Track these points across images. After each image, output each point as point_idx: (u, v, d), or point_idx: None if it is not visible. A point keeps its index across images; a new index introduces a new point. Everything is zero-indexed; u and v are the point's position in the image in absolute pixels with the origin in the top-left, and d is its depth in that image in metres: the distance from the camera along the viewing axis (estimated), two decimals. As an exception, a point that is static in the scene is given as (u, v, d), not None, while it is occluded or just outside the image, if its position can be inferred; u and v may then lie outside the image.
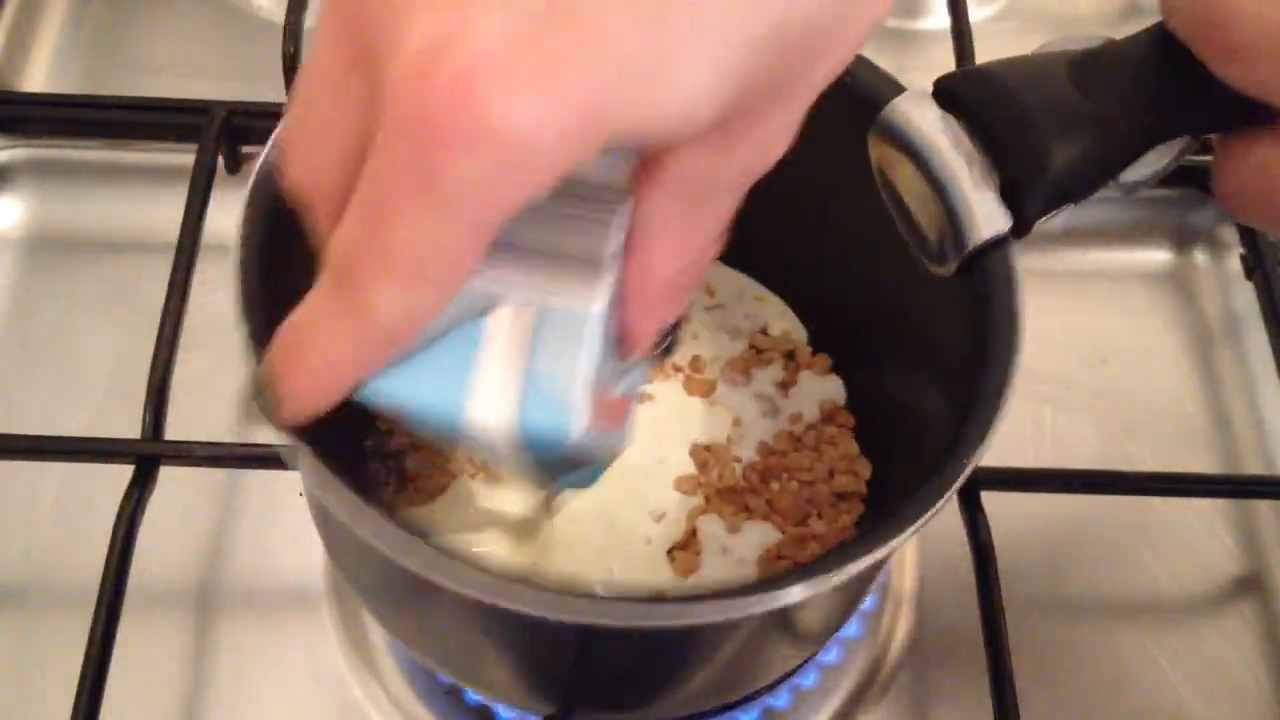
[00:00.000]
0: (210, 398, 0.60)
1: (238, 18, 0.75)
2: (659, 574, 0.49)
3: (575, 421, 0.33)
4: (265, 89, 0.66)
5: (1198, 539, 0.60)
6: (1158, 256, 0.70)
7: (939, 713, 0.55)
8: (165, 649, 0.54)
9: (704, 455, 0.52)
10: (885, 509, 0.43)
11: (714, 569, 0.49)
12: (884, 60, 0.46)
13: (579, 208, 0.33)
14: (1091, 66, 0.40)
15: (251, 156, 0.67)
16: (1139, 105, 0.39)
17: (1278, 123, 0.37)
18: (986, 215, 0.39)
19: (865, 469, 0.52)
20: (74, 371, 0.61)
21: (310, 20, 0.68)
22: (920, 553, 0.58)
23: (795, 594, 0.35)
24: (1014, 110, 0.38)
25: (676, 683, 0.46)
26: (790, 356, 0.56)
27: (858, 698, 0.55)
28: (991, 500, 0.53)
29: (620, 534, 0.50)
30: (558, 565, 0.48)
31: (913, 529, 0.36)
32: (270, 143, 0.43)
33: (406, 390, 0.33)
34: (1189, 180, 0.67)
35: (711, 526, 0.50)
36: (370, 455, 0.53)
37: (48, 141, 0.68)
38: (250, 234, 0.42)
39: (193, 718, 0.53)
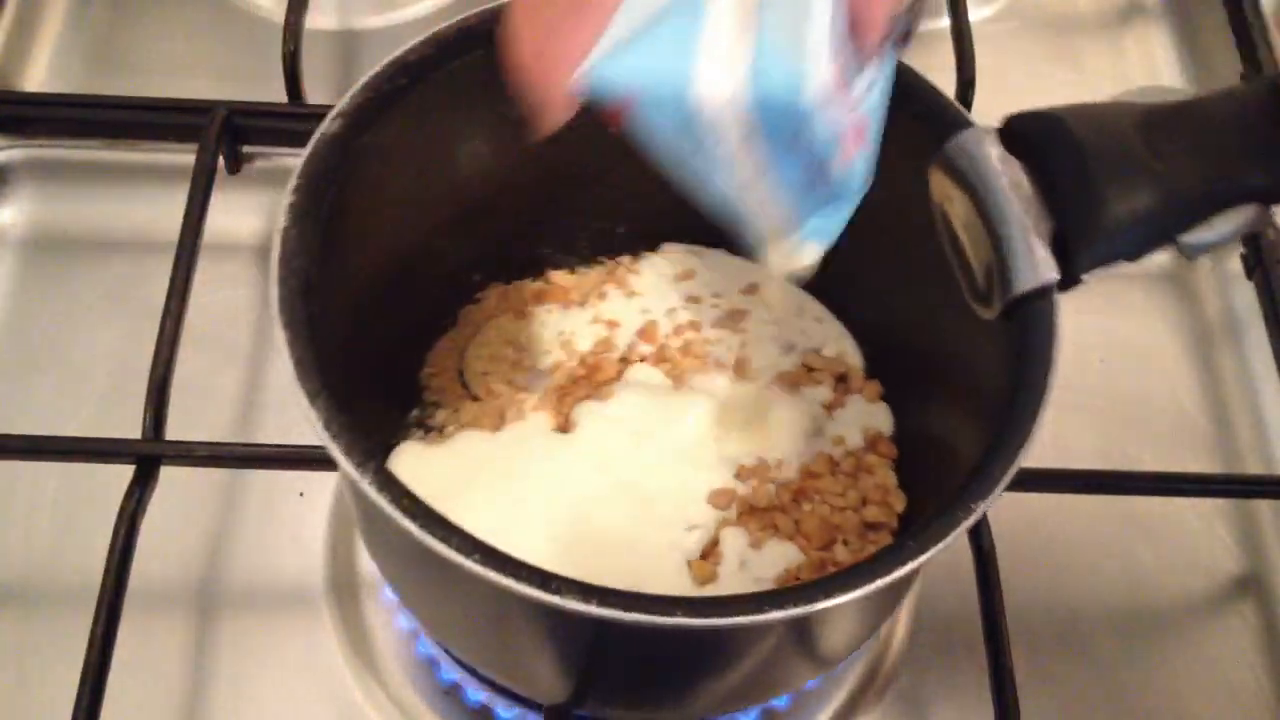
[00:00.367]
0: (210, 398, 0.60)
1: (238, 18, 0.75)
2: (676, 581, 0.49)
3: (812, 75, 0.32)
4: (265, 89, 0.66)
5: (1198, 539, 0.60)
6: (1158, 257, 0.70)
7: (939, 713, 0.55)
8: (165, 649, 0.54)
9: (743, 471, 0.51)
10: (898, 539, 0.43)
11: (731, 583, 0.49)
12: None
13: None
14: (1166, 121, 0.38)
15: (252, 156, 0.67)
16: (1210, 167, 0.37)
17: None
18: (1034, 264, 0.38)
19: (899, 502, 0.52)
20: (74, 371, 0.61)
21: (310, 20, 0.69)
22: (920, 553, 0.58)
23: (818, 606, 0.35)
24: (1075, 159, 0.38)
25: (690, 686, 0.46)
26: (841, 379, 0.55)
27: (858, 698, 0.55)
28: (992, 500, 0.53)
29: (647, 540, 0.49)
30: (577, 563, 0.48)
31: (916, 562, 0.37)
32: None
33: (634, 65, 0.32)
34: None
35: (735, 540, 0.50)
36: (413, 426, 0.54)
37: (48, 141, 0.68)
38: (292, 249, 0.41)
39: (193, 718, 0.53)
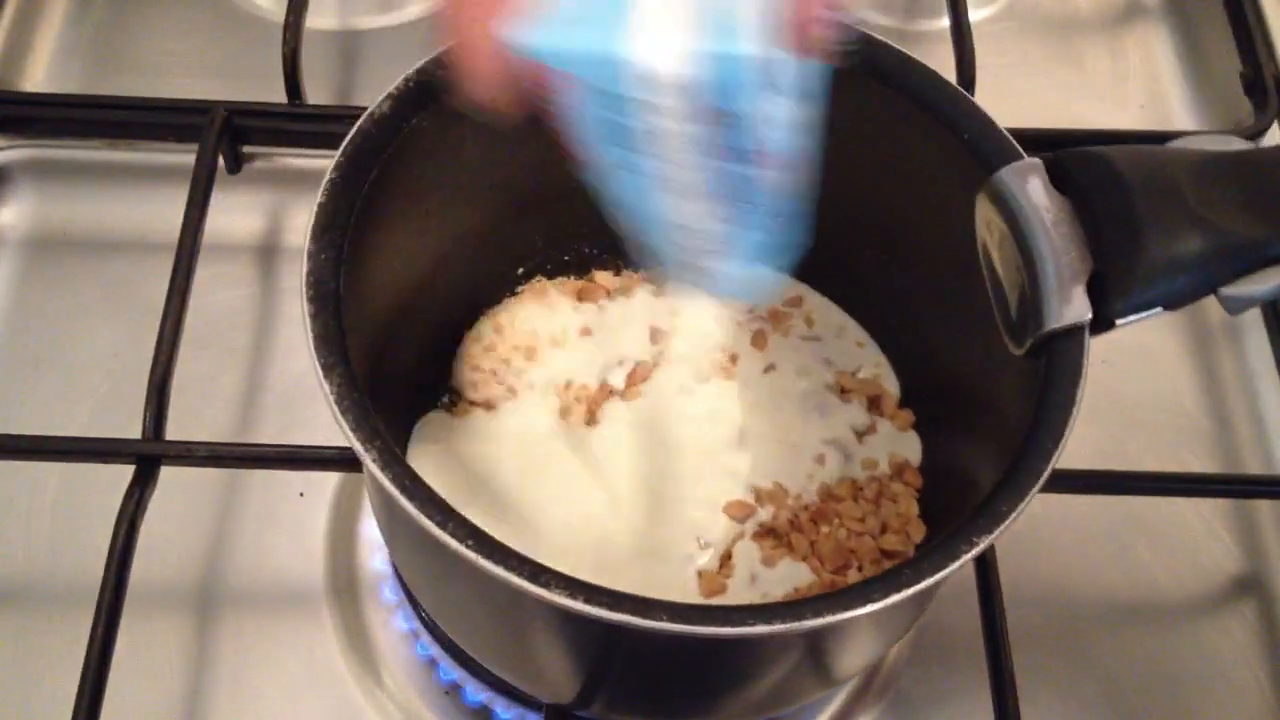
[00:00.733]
0: (210, 398, 0.60)
1: (238, 18, 0.75)
2: (685, 590, 0.49)
3: (744, 56, 0.32)
4: (265, 89, 0.66)
5: (1198, 539, 0.60)
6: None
7: (939, 714, 0.55)
8: (165, 649, 0.54)
9: (761, 494, 0.51)
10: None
11: (738, 597, 0.49)
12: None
13: None
14: (1221, 170, 0.38)
15: (252, 156, 0.67)
16: (1261, 220, 0.37)
17: None
18: (1067, 303, 0.38)
19: (919, 532, 0.51)
20: (74, 371, 0.61)
21: (310, 20, 0.69)
22: (920, 553, 0.58)
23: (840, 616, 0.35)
24: (1120, 200, 0.37)
25: (683, 696, 0.46)
26: (875, 404, 0.55)
27: (858, 698, 0.55)
28: (992, 500, 0.53)
29: (660, 546, 0.49)
30: (591, 566, 0.48)
31: (914, 589, 0.36)
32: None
33: (568, 36, 0.33)
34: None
35: (748, 553, 0.50)
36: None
37: (48, 141, 0.68)
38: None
39: (193, 718, 0.53)
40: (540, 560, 0.36)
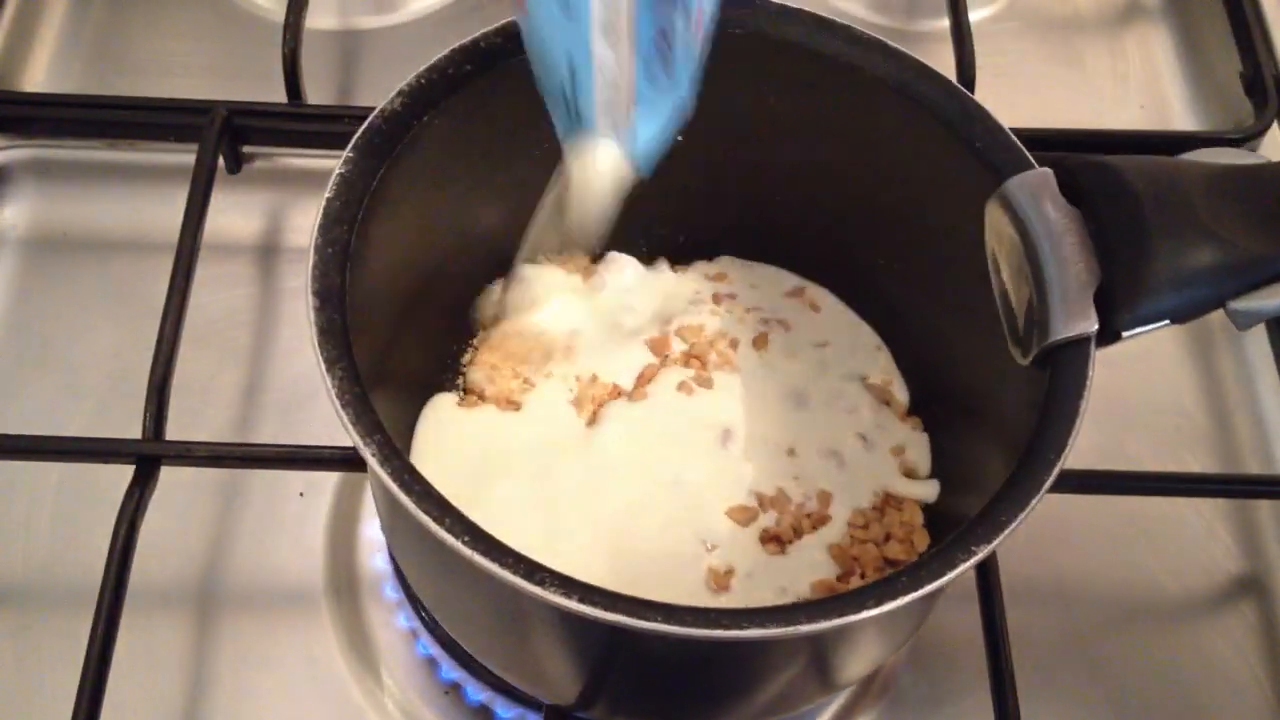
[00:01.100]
0: (210, 398, 0.60)
1: (238, 18, 0.75)
2: (690, 592, 0.48)
3: None
4: (265, 89, 0.66)
5: (1198, 539, 0.60)
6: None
7: (940, 714, 0.55)
8: (165, 649, 0.54)
9: (765, 500, 0.51)
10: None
11: (741, 599, 0.48)
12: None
13: None
14: (1235, 184, 0.38)
15: (252, 156, 0.67)
16: (1270, 234, 0.37)
17: None
18: (1073, 314, 0.38)
19: (923, 541, 0.51)
20: (74, 371, 0.61)
21: (310, 20, 0.69)
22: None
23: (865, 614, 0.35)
24: (1129, 211, 0.37)
25: (680, 700, 0.46)
26: (883, 410, 0.54)
27: (858, 698, 0.55)
28: (992, 500, 0.53)
29: (662, 547, 0.49)
30: (596, 564, 0.48)
31: (909, 597, 0.36)
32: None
33: None
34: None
35: (753, 556, 0.49)
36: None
37: (48, 141, 0.68)
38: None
39: (193, 718, 0.53)
40: (556, 563, 0.36)
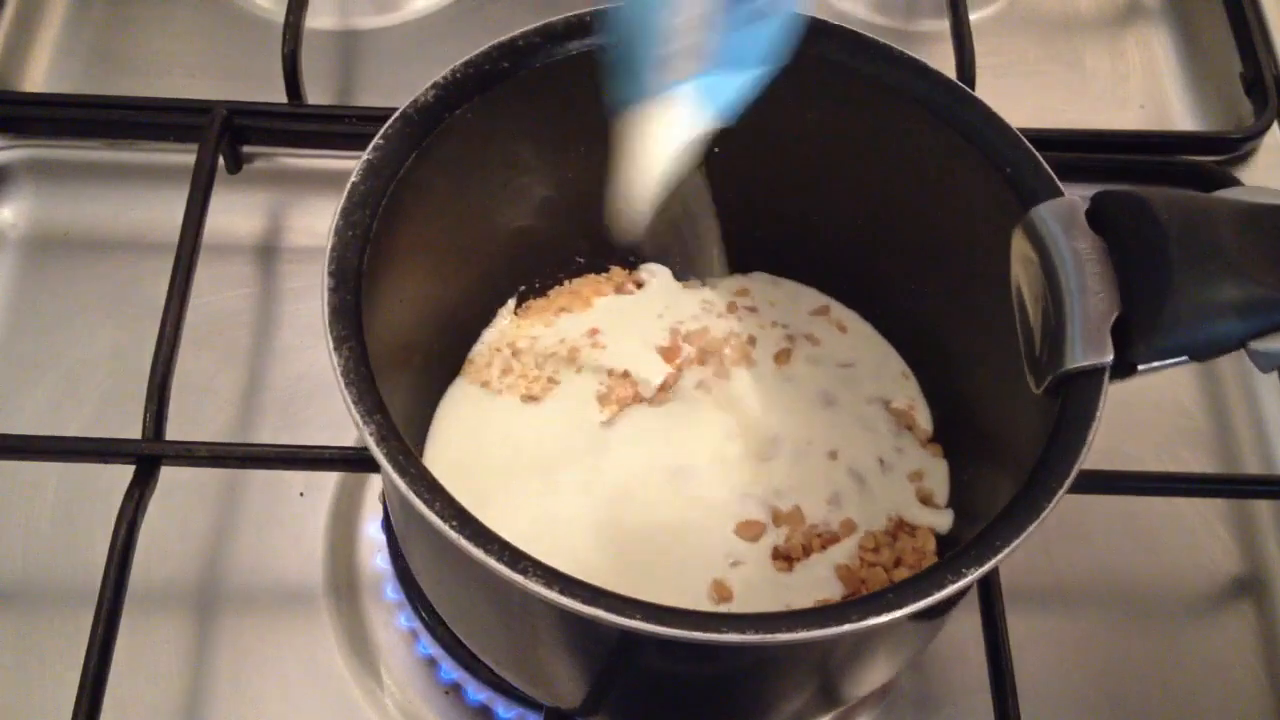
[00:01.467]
0: (210, 398, 0.60)
1: (238, 18, 0.75)
2: (695, 599, 0.48)
3: None
4: (265, 89, 0.66)
5: (1198, 539, 0.60)
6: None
7: (940, 714, 0.55)
8: (165, 649, 0.54)
9: (779, 515, 0.51)
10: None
11: (744, 609, 0.48)
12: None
13: None
14: (1260, 221, 0.37)
15: (252, 156, 0.67)
16: None
17: None
18: (1090, 344, 0.37)
19: None
20: (74, 371, 0.61)
21: (310, 20, 0.69)
22: (920, 553, 0.58)
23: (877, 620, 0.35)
24: (1155, 243, 0.37)
25: (675, 706, 0.46)
26: (905, 435, 0.54)
27: (858, 699, 0.55)
28: (992, 500, 0.53)
29: (670, 553, 0.49)
30: (603, 569, 0.48)
31: (901, 612, 0.36)
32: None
33: None
34: (1188, 181, 0.67)
35: (759, 566, 0.49)
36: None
37: (48, 141, 0.68)
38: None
39: (193, 718, 0.53)
40: (559, 562, 0.36)
